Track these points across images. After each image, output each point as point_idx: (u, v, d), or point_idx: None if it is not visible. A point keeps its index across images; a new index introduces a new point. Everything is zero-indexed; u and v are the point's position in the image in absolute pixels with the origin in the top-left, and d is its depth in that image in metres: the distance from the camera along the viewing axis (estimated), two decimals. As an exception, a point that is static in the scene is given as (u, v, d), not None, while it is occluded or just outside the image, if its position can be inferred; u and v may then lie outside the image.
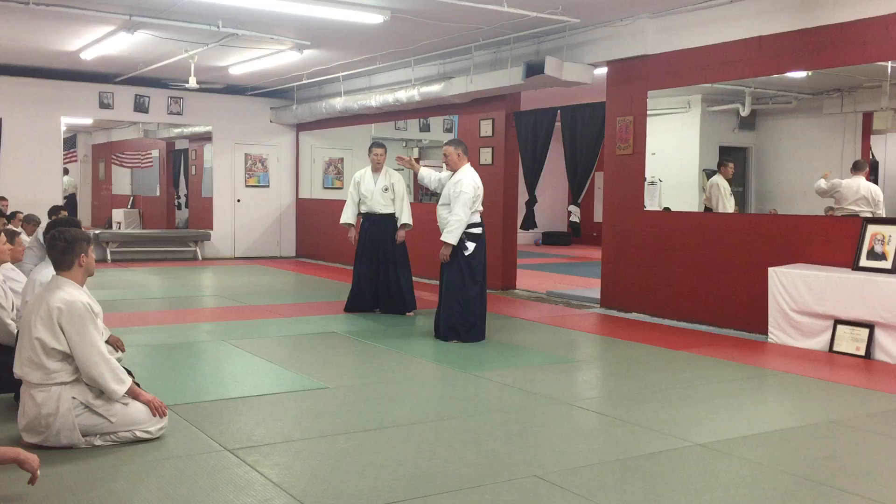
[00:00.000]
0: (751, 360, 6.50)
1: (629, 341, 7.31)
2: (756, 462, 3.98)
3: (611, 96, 9.24)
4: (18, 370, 4.02)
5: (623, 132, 9.05)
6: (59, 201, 13.78)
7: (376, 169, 8.66)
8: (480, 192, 7.16)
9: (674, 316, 8.45)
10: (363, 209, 8.71)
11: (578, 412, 4.93)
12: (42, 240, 8.69)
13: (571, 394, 5.43)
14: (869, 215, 8.29)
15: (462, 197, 6.99)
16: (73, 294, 4.00)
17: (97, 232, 14.60)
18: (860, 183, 8.63)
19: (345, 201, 8.86)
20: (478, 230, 7.13)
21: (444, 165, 7.44)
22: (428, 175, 7.64)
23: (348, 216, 8.74)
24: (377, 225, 8.61)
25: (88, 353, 3.95)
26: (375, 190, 8.58)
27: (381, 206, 8.59)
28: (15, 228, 8.51)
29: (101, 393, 4.03)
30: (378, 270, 8.62)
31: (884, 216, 8.39)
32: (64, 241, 4.07)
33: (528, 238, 19.04)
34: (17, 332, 4.75)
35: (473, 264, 7.12)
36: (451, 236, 7.00)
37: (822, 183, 8.95)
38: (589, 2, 8.07)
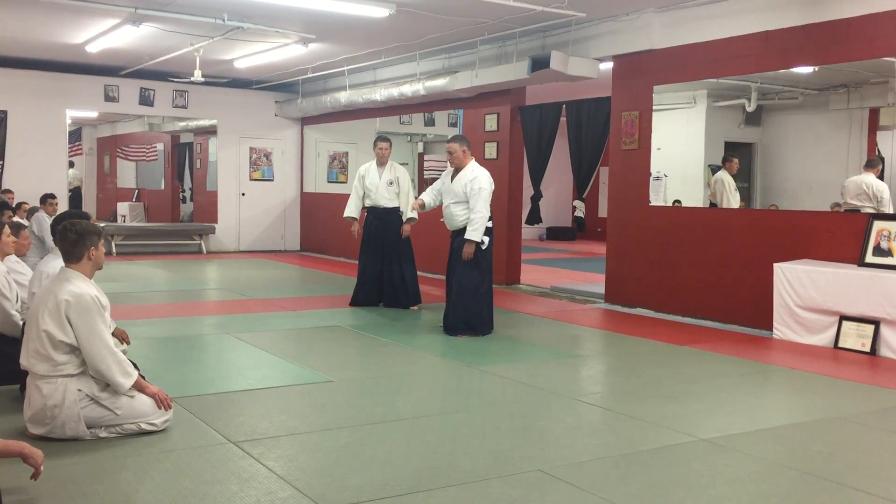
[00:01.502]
0: (756, 355, 6.49)
1: (633, 336, 7.30)
2: (760, 457, 3.98)
3: (616, 91, 9.22)
4: (25, 361, 4.03)
5: (628, 127, 9.03)
6: (65, 194, 13.80)
7: (381, 163, 8.65)
8: (493, 187, 7.20)
9: (678, 311, 8.44)
10: (368, 203, 8.71)
11: (583, 407, 4.93)
12: (37, 231, 8.70)
13: (576, 388, 5.43)
14: (871, 211, 8.27)
15: (482, 193, 7.01)
16: (82, 287, 4.01)
17: (102, 225, 14.62)
18: (864, 179, 8.61)
19: (349, 195, 8.86)
20: (490, 224, 7.17)
21: (448, 162, 7.43)
22: (429, 199, 7.53)
23: (351, 210, 8.75)
24: (382, 219, 8.61)
25: (96, 346, 3.95)
26: (380, 184, 8.58)
27: (386, 200, 8.59)
28: (22, 221, 8.53)
29: (107, 385, 4.04)
30: (383, 264, 8.62)
31: (889, 212, 8.37)
32: (75, 234, 4.07)
33: (533, 233, 19.03)
34: (23, 323, 4.77)
35: (488, 258, 7.19)
36: (476, 234, 7.00)
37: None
38: (595, -4, 8.05)
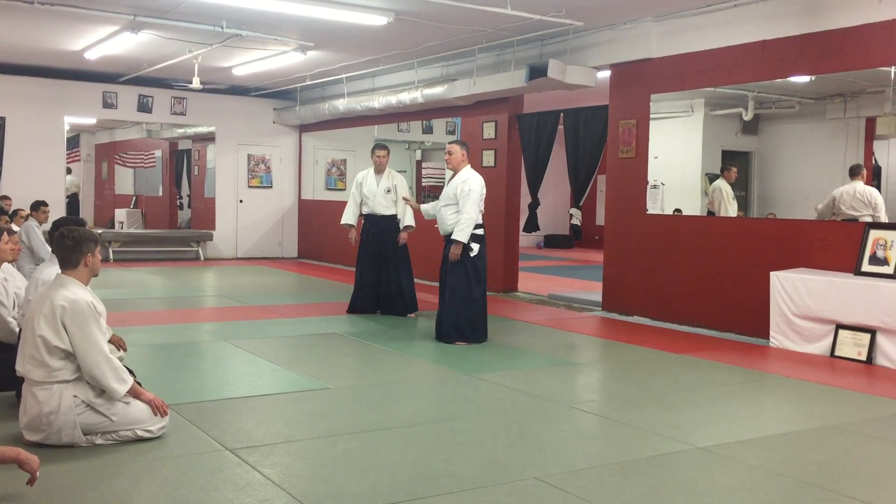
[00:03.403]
0: (752, 364, 6.50)
1: (630, 344, 7.31)
2: (757, 466, 3.98)
3: (614, 99, 9.25)
4: (21, 367, 4.03)
5: (626, 135, 9.05)
6: (62, 200, 13.80)
7: (379, 170, 8.67)
8: (484, 192, 7.19)
9: (675, 319, 8.45)
10: (365, 210, 8.72)
11: (579, 414, 4.93)
12: (26, 241, 8.65)
13: (572, 396, 5.43)
14: (869, 219, 8.28)
15: (472, 195, 7.01)
16: (78, 293, 4.01)
17: (99, 231, 14.60)
18: (856, 187, 8.62)
19: (346, 203, 8.87)
20: (480, 231, 7.15)
21: (446, 164, 7.46)
22: (428, 207, 7.73)
23: (349, 217, 8.76)
24: (379, 226, 8.61)
25: (91, 352, 3.95)
26: (378, 191, 8.59)
27: (383, 208, 8.60)
28: (15, 227, 8.50)
29: (103, 392, 4.04)
30: (380, 272, 8.62)
31: (885, 221, 8.38)
32: (71, 240, 4.08)
33: (530, 241, 19.04)
34: (20, 330, 4.76)
35: (479, 266, 7.14)
36: (462, 234, 7.00)
37: (819, 207, 8.88)
38: (592, 5, 8.08)
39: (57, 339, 3.93)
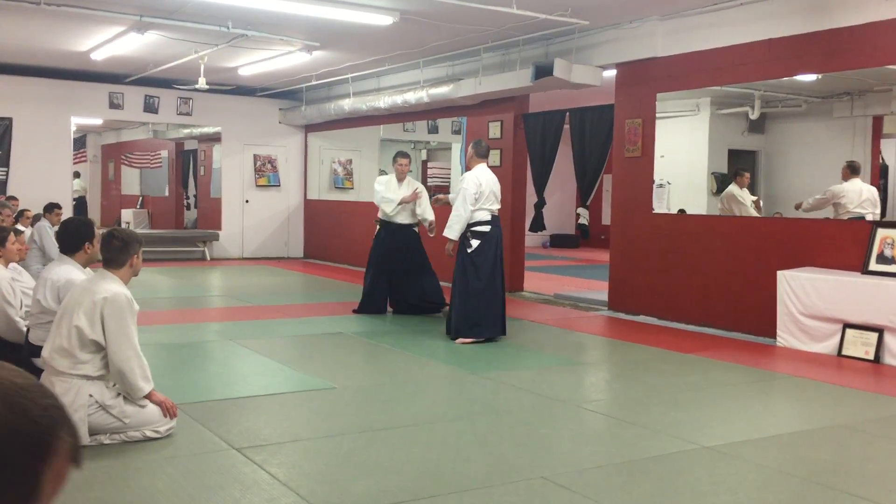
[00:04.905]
0: (759, 363, 6.48)
1: (637, 344, 7.29)
2: (764, 465, 3.97)
3: (619, 98, 9.23)
4: (46, 354, 4.07)
5: (632, 134, 9.03)
6: (69, 201, 13.83)
7: (401, 178, 8.57)
8: (486, 188, 7.11)
9: (682, 319, 8.43)
10: (382, 216, 8.64)
11: (586, 414, 4.92)
12: (38, 241, 8.68)
13: (579, 396, 5.43)
14: (871, 217, 8.26)
15: (461, 193, 7.06)
16: (119, 288, 4.11)
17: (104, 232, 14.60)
18: (862, 186, 8.59)
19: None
20: (485, 228, 7.11)
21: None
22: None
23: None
24: (394, 234, 8.53)
25: (123, 345, 4.01)
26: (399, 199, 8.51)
27: (402, 217, 8.53)
28: (21, 227, 8.52)
29: (118, 395, 4.08)
30: (391, 280, 8.57)
31: (893, 220, 8.36)
32: (120, 241, 4.20)
33: (536, 240, 19.02)
34: (27, 329, 4.79)
35: (477, 262, 7.10)
36: (450, 231, 7.06)
37: (811, 201, 8.85)
38: (598, 4, 8.06)
39: (92, 332, 3.98)
